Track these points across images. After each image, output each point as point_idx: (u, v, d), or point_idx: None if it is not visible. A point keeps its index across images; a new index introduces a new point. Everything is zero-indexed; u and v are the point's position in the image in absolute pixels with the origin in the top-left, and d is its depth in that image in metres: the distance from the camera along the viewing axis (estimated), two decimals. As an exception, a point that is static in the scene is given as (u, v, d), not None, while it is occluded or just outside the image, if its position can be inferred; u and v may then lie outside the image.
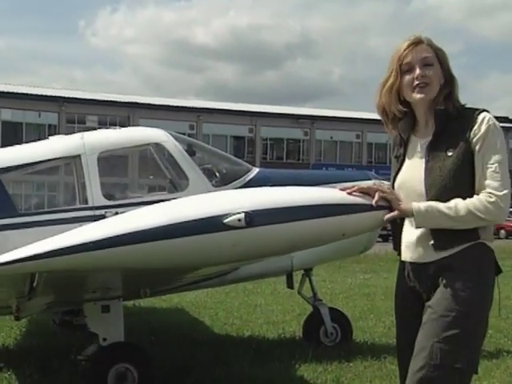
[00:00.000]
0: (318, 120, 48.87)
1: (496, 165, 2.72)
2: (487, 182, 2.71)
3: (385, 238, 19.15)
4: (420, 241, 2.83)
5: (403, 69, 2.85)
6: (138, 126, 25.35)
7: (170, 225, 2.88)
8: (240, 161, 6.99)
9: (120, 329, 5.19)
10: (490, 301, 2.78)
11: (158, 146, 6.15)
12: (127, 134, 6.46)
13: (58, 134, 7.59)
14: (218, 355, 6.35)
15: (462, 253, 2.74)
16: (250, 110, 48.47)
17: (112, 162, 6.68)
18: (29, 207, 7.21)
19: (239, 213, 2.84)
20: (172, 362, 6.04)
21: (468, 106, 2.88)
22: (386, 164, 42.14)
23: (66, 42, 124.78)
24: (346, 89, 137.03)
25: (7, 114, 40.92)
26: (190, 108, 46.31)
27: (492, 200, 2.69)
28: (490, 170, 2.72)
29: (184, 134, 9.34)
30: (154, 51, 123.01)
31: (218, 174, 6.24)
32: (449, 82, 2.86)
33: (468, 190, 2.73)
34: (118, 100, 43.88)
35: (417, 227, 2.79)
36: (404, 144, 2.94)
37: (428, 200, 2.76)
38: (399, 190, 2.90)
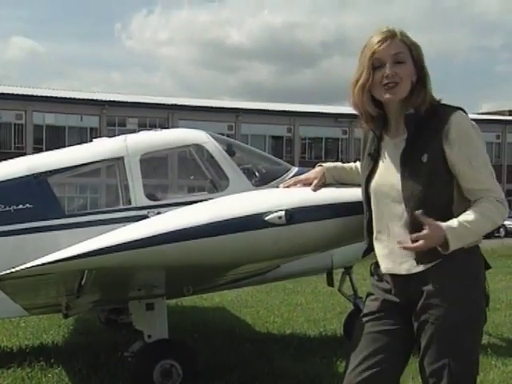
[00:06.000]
0: (357, 118, 48.30)
1: (483, 168, 2.60)
2: (484, 185, 2.59)
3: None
4: (400, 251, 2.62)
5: (374, 65, 2.65)
6: (177, 127, 25.62)
7: (213, 223, 2.98)
8: (279, 160, 7.03)
9: (164, 326, 5.30)
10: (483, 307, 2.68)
11: (198, 147, 6.23)
12: (168, 135, 6.55)
13: (99, 136, 7.74)
14: (261, 352, 6.43)
15: (449, 260, 2.56)
16: (288, 109, 48.30)
17: (154, 163, 6.80)
18: (74, 208, 7.41)
19: (280, 210, 2.92)
20: (215, 358, 6.14)
21: (443, 102, 2.68)
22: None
23: (103, 45, 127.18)
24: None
25: (51, 118, 41.75)
26: (228, 109, 46.45)
27: (500, 204, 2.59)
28: (480, 173, 2.59)
29: (223, 134, 9.42)
30: (188, 52, 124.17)
31: (257, 174, 6.29)
32: (422, 79, 2.65)
33: (446, 193, 2.60)
34: (158, 102, 44.34)
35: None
36: (377, 142, 2.79)
37: (408, 209, 2.60)
38: (372, 192, 2.75)
